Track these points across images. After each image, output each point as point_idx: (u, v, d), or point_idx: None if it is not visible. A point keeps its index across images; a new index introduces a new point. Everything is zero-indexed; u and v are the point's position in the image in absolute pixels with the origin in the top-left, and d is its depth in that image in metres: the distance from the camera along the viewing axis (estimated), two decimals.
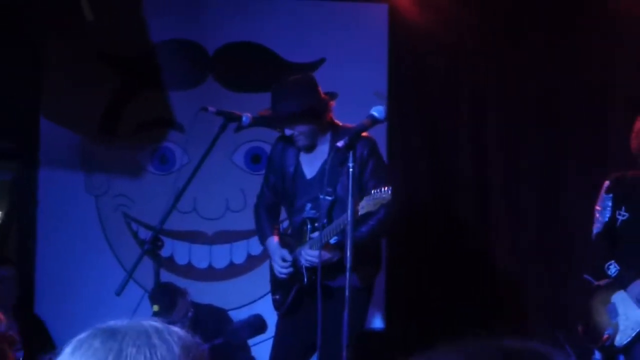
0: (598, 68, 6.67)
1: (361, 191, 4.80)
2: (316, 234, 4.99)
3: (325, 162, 5.06)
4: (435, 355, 1.42)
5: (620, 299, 5.44)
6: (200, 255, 7.17)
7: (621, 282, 5.42)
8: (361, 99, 6.47)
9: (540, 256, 6.75)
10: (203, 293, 6.64)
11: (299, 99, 5.01)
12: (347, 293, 4.22)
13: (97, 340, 1.63)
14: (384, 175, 5.11)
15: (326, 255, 4.90)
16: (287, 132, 5.12)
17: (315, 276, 4.68)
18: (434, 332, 6.30)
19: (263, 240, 5.41)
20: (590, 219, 6.55)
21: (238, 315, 6.42)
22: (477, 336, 1.48)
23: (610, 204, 5.52)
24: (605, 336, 5.41)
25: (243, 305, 6.83)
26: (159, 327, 1.67)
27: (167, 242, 6.75)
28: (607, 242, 5.53)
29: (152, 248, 4.57)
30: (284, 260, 5.18)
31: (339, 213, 4.87)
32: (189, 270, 7.14)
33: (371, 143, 5.04)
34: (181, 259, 7.17)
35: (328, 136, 5.11)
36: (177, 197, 4.75)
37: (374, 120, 4.39)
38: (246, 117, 4.89)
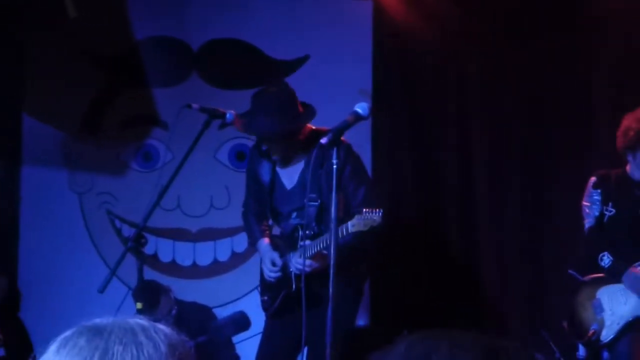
0: (583, 66, 6.67)
1: (343, 195, 4.84)
2: (308, 241, 4.99)
3: (303, 170, 5.07)
4: (420, 341, 1.43)
5: (605, 294, 5.48)
6: (184, 253, 7.16)
7: (614, 273, 5.45)
8: (346, 96, 6.47)
9: (525, 254, 6.75)
10: (187, 290, 6.63)
11: (277, 119, 4.96)
12: (330, 290, 4.21)
13: (82, 338, 1.62)
14: (362, 176, 5.14)
15: (316, 264, 4.90)
16: (263, 147, 5.13)
17: (305, 283, 4.68)
18: (418, 328, 6.30)
19: (254, 243, 5.40)
20: (575, 217, 6.58)
21: (222, 313, 6.42)
22: (463, 329, 1.48)
23: (599, 199, 5.56)
24: (591, 332, 5.44)
25: (227, 303, 6.83)
26: (145, 324, 1.66)
27: (151, 239, 6.72)
28: (600, 235, 5.57)
29: (135, 245, 4.55)
30: (273, 264, 5.18)
31: (327, 217, 4.86)
32: (172, 268, 7.13)
33: (346, 147, 5.00)
34: (165, 257, 7.16)
35: (305, 146, 5.07)
36: (161, 195, 4.73)
37: (358, 117, 4.37)
38: (230, 114, 4.87)
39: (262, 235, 5.33)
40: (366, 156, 6.57)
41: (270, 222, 5.42)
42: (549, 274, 6.67)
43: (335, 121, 4.43)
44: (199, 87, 7.07)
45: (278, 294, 5.20)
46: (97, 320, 1.66)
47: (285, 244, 5.21)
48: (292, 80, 6.99)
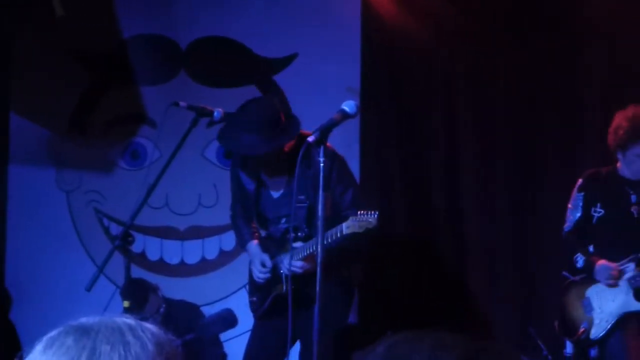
0: (573, 65, 6.67)
1: (330, 197, 4.84)
2: (299, 243, 4.98)
3: (289, 179, 5.03)
4: (402, 341, 1.43)
5: (594, 292, 5.55)
6: (172, 251, 7.15)
7: (588, 270, 5.54)
8: (334, 94, 6.46)
9: (513, 253, 6.76)
10: (175, 289, 6.62)
11: (259, 138, 4.89)
12: (317, 288, 4.21)
13: (69, 338, 1.61)
14: (349, 180, 5.14)
15: (307, 266, 4.89)
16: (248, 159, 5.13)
17: (294, 286, 4.67)
18: (405, 328, 6.31)
19: (244, 245, 5.38)
20: (563, 216, 6.61)
21: (210, 311, 6.40)
22: (447, 329, 1.48)
23: (581, 203, 5.62)
24: (581, 330, 5.52)
25: (215, 301, 6.82)
26: (132, 323, 1.65)
27: (139, 237, 6.73)
28: (576, 239, 5.65)
29: (123, 244, 4.55)
30: (263, 265, 5.16)
31: (317, 218, 4.86)
32: (160, 266, 7.12)
33: (331, 152, 4.95)
34: (153, 255, 7.14)
35: (290, 154, 5.01)
36: (149, 193, 4.72)
37: (345, 115, 4.37)
38: (218, 112, 4.86)
39: (252, 237, 5.31)
40: (354, 154, 6.58)
41: (262, 232, 5.40)
42: (536, 272, 6.68)
43: (323, 119, 4.43)
44: (187, 85, 7.06)
45: (267, 295, 5.19)
46: (83, 320, 1.65)
47: (275, 246, 5.20)
48: (280, 78, 7.01)
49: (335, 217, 4.82)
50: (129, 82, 7.08)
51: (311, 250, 4.85)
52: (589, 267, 5.54)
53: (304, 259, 4.91)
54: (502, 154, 6.80)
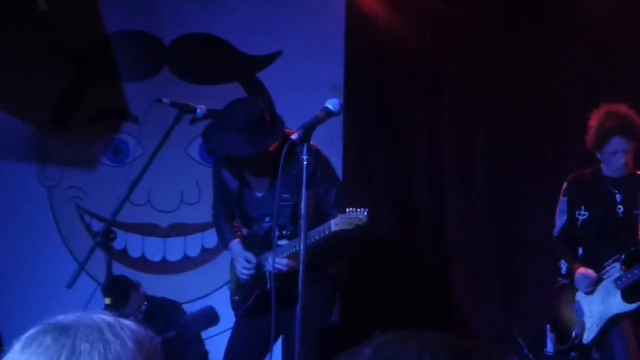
0: (558, 66, 6.68)
1: (314, 196, 4.83)
2: (284, 241, 4.97)
3: (273, 178, 5.02)
4: (389, 343, 1.42)
5: (583, 296, 5.55)
6: (154, 248, 7.13)
7: (570, 276, 5.56)
8: (317, 92, 6.46)
9: (496, 253, 6.77)
10: (157, 286, 6.60)
11: (243, 140, 4.88)
12: (300, 286, 4.20)
13: (48, 336, 1.59)
14: (333, 178, 5.14)
15: (291, 263, 4.89)
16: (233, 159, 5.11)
17: (279, 283, 4.66)
18: (388, 327, 6.32)
19: (226, 244, 5.36)
20: (545, 216, 6.62)
21: (192, 308, 6.38)
22: (435, 330, 1.47)
23: (565, 208, 5.64)
24: (574, 335, 5.52)
25: (197, 298, 6.80)
26: (111, 321, 1.63)
27: (121, 234, 6.70)
28: (563, 244, 5.66)
29: (104, 240, 4.52)
30: (248, 261, 5.15)
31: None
32: (142, 263, 7.10)
33: (315, 150, 4.95)
34: (135, 252, 7.12)
35: (274, 154, 5.00)
36: (131, 189, 4.70)
37: (329, 113, 4.36)
38: (201, 109, 4.84)
39: (234, 236, 5.30)
40: (337, 152, 6.57)
41: (245, 230, 5.38)
42: (518, 272, 6.69)
43: (307, 117, 4.42)
44: (170, 82, 7.04)
45: (250, 294, 5.18)
46: (61, 318, 1.63)
47: (259, 245, 5.19)
48: (264, 76, 7.00)
49: (318, 215, 4.82)
50: (111, 78, 7.05)
51: (296, 248, 4.84)
52: (570, 275, 5.57)
53: (289, 256, 4.90)
54: (485, 153, 6.81)
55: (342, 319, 6.65)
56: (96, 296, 5.79)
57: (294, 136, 4.28)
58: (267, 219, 5.15)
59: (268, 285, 5.03)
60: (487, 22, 6.75)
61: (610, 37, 6.50)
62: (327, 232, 4.65)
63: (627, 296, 5.41)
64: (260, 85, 6.99)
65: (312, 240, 4.63)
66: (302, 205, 4.25)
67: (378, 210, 6.85)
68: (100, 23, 7.06)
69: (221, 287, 6.64)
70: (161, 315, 5.99)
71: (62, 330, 1.59)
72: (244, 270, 5.16)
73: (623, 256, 5.43)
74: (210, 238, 6.91)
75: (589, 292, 5.49)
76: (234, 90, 6.73)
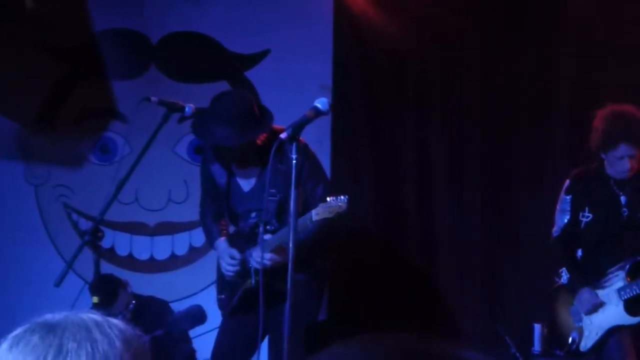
0: (545, 66, 6.68)
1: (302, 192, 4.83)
2: (268, 236, 4.97)
3: (260, 173, 5.04)
4: (343, 352, 1.41)
5: None
6: (141, 247, 7.12)
7: (570, 290, 5.37)
8: (306, 91, 6.46)
9: (482, 250, 6.78)
10: (144, 285, 6.59)
11: (232, 130, 4.88)
12: (289, 286, 4.20)
13: (35, 335, 1.58)
14: (320, 175, 5.14)
15: (277, 258, 4.88)
16: (219, 151, 5.10)
17: (264, 279, 4.66)
18: (375, 325, 6.32)
19: (212, 243, 5.36)
20: (531, 215, 6.63)
21: (180, 307, 6.38)
22: (391, 334, 1.46)
23: (568, 207, 5.40)
24: (571, 341, 5.36)
25: (185, 297, 6.79)
26: (99, 320, 1.63)
27: (108, 233, 6.70)
28: (563, 248, 5.44)
29: (92, 239, 4.52)
30: (232, 258, 5.15)
31: (286, 212, 4.86)
32: (130, 262, 7.08)
33: (303, 146, 4.97)
34: (122, 250, 7.11)
35: (262, 148, 5.03)
36: (119, 188, 4.69)
37: (318, 113, 4.36)
38: (189, 107, 4.84)
39: (220, 235, 5.30)
40: (326, 152, 6.57)
41: (231, 228, 5.38)
42: (505, 271, 6.71)
43: (296, 116, 4.42)
44: (158, 80, 7.02)
45: (236, 291, 5.18)
46: (49, 316, 1.63)
47: (244, 241, 5.19)
48: (252, 75, 6.99)
49: (305, 212, 4.83)
50: (99, 76, 7.03)
51: (280, 241, 4.84)
52: (572, 289, 5.36)
53: (273, 251, 4.89)
54: (474, 153, 6.82)
55: (329, 317, 6.66)
56: (84, 295, 5.76)
57: (283, 135, 4.28)
58: (253, 214, 5.15)
59: (253, 281, 5.03)
60: (476, 21, 6.76)
61: (602, 38, 6.51)
62: (308, 222, 4.65)
63: (630, 308, 5.21)
64: (248, 84, 6.98)
65: (297, 233, 4.60)
66: (291, 205, 4.25)
67: (366, 210, 6.86)
68: (87, 21, 7.04)
69: (209, 286, 6.63)
70: (149, 314, 5.98)
71: (50, 329, 1.59)
72: (228, 267, 5.17)
73: (628, 265, 5.22)
74: (198, 237, 6.90)
75: (590, 313, 5.30)
76: (222, 89, 6.71)
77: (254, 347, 5.07)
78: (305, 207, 4.92)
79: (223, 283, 5.30)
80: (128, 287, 6.17)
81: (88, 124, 7.15)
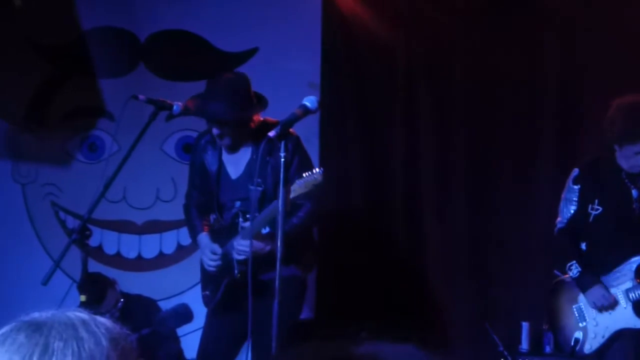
0: (532, 64, 6.69)
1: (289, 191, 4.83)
2: (248, 223, 4.98)
3: (250, 160, 5.06)
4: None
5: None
6: (129, 245, 7.11)
7: (581, 285, 5.07)
8: (294, 89, 6.45)
9: (470, 247, 6.79)
10: (132, 283, 6.58)
11: (228, 103, 4.97)
12: (277, 284, 4.20)
13: (21, 334, 1.58)
14: (309, 167, 5.12)
15: (258, 244, 4.87)
16: (215, 131, 5.09)
17: (247, 268, 4.65)
18: (362, 323, 6.32)
19: (194, 237, 5.37)
20: (519, 212, 6.64)
21: (167, 306, 6.38)
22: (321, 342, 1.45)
23: (575, 198, 5.14)
24: (574, 341, 5.09)
25: (173, 296, 6.79)
26: (86, 318, 1.62)
27: (96, 231, 6.69)
28: (569, 240, 5.18)
29: (79, 237, 4.51)
30: (213, 253, 5.16)
31: (269, 204, 4.87)
32: (117, 260, 7.07)
33: (295, 139, 5.04)
34: (110, 249, 7.10)
35: (253, 135, 5.08)
36: (106, 186, 4.69)
37: (306, 111, 4.37)
38: (177, 105, 4.84)
39: (202, 229, 5.30)
40: (314, 150, 6.57)
41: (213, 216, 5.37)
42: (493, 267, 6.72)
43: (284, 114, 4.43)
44: (146, 78, 7.01)
45: (220, 285, 5.17)
46: (36, 315, 1.62)
47: (225, 236, 5.18)
48: None
49: (293, 209, 4.85)
50: (87, 74, 7.02)
51: (259, 226, 4.84)
52: (583, 284, 5.06)
53: (254, 238, 4.89)
54: (462, 151, 6.82)
55: (317, 315, 6.67)
56: (71, 293, 5.76)
57: (271, 133, 4.29)
58: (237, 203, 5.16)
59: (236, 272, 5.02)
60: (463, 19, 6.76)
61: (587, 34, 6.53)
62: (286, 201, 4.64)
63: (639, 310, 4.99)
64: None
65: (273, 213, 4.57)
66: (279, 203, 4.25)
67: (354, 207, 6.86)
68: (76, 19, 7.02)
69: (197, 284, 6.58)
70: (137, 313, 5.98)
71: (36, 327, 1.59)
72: (210, 262, 5.17)
73: (636, 265, 4.98)
74: (185, 235, 6.86)
75: (603, 310, 5.04)
76: None
77: (239, 343, 5.07)
78: (291, 205, 4.92)
79: (207, 279, 5.30)
80: (116, 285, 6.16)
81: (76, 122, 7.13)
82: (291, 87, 6.56)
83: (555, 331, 5.31)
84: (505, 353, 6.06)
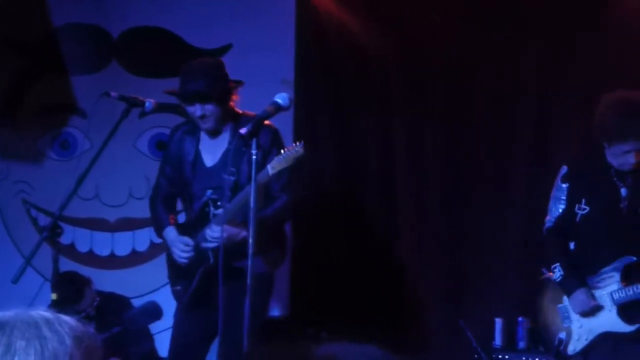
0: (508, 62, 6.70)
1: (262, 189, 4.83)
2: (220, 210, 4.96)
3: (227, 149, 5.05)
4: None
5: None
6: (102, 243, 7.08)
7: (564, 289, 4.93)
8: (268, 86, 6.44)
9: (445, 244, 6.80)
10: (105, 281, 6.55)
11: (208, 78, 5.01)
12: (248, 281, 4.19)
13: None
14: None
15: (233, 230, 4.86)
16: (198, 112, 5.05)
17: (217, 258, 4.63)
18: (337, 321, 6.32)
19: (160, 232, 5.32)
20: (494, 208, 6.66)
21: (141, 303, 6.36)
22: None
23: (564, 196, 4.96)
24: (558, 341, 4.97)
25: (146, 293, 6.76)
26: (49, 317, 1.61)
27: (68, 229, 6.65)
28: (557, 242, 5.01)
29: (51, 235, 4.48)
30: (185, 244, 5.12)
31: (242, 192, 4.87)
32: (90, 258, 7.05)
33: (273, 131, 5.05)
34: (82, 247, 7.07)
35: (229, 125, 5.11)
36: (78, 183, 4.67)
37: (278, 108, 4.37)
38: (149, 102, 4.82)
39: (169, 223, 5.27)
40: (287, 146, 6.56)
41: (181, 207, 5.37)
42: (467, 266, 6.73)
43: (257, 111, 4.42)
44: (119, 75, 6.99)
45: (194, 276, 5.13)
46: None
47: (194, 226, 5.16)
48: None
49: (265, 198, 4.86)
50: (59, 71, 6.99)
51: (231, 212, 4.83)
52: (566, 288, 4.92)
53: (228, 224, 4.88)
54: (436, 150, 6.83)
55: (291, 313, 6.66)
56: (43, 292, 5.73)
57: (243, 130, 4.28)
58: (208, 192, 5.14)
59: (211, 259, 5.00)
60: (439, 16, 6.76)
61: (564, 34, 6.55)
62: (265, 178, 4.63)
63: (624, 314, 4.79)
64: None
65: (245, 199, 4.55)
66: (251, 200, 4.24)
67: (328, 206, 6.87)
68: (47, 16, 6.99)
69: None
70: (110, 311, 5.96)
71: None
72: (182, 254, 5.13)
73: (622, 267, 4.80)
74: None
75: (585, 316, 4.88)
76: None
77: (211, 339, 5.06)
78: (266, 194, 4.92)
79: (177, 274, 5.25)
80: (92, 284, 6.15)
81: (48, 119, 7.10)
82: (264, 84, 6.55)
83: (542, 328, 5.18)
84: (479, 349, 6.08)
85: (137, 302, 6.37)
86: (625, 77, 5.84)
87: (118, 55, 7.06)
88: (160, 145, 6.82)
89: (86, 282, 6.09)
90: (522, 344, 6.30)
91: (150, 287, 6.83)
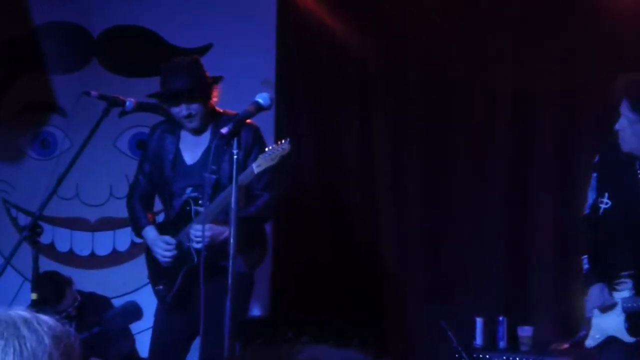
0: (488, 60, 6.72)
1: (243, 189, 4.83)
2: (202, 209, 4.95)
3: (207, 147, 5.04)
4: None
5: (595, 294, 4.77)
6: (82, 242, 7.06)
7: (586, 282, 4.78)
8: (249, 85, 6.44)
9: (426, 244, 6.81)
10: (85, 281, 6.53)
11: (189, 76, 5.04)
12: (229, 281, 4.18)
13: None
14: None
15: (217, 229, 4.85)
16: (184, 111, 5.04)
17: (206, 254, 4.61)
18: (318, 320, 6.33)
19: (139, 231, 5.29)
20: (476, 205, 6.68)
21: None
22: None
23: (595, 184, 4.76)
24: (582, 334, 4.90)
25: (127, 293, 6.75)
26: (28, 316, 1.61)
27: (48, 228, 6.63)
28: (589, 229, 4.81)
29: (31, 235, 4.46)
30: (167, 243, 5.10)
31: (221, 191, 4.86)
32: (70, 258, 7.02)
33: (255, 130, 5.06)
34: (62, 246, 7.04)
35: (210, 124, 5.10)
36: (58, 183, 4.64)
37: (259, 108, 4.36)
38: (130, 102, 4.81)
39: (148, 223, 5.25)
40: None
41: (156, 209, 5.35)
42: (449, 264, 6.75)
43: (238, 110, 4.42)
44: (99, 74, 6.97)
45: (177, 275, 5.11)
46: None
47: (174, 225, 5.14)
48: None
49: (247, 197, 4.85)
50: (39, 70, 6.96)
51: (214, 212, 4.82)
52: (587, 281, 4.77)
53: (212, 222, 4.87)
54: (416, 149, 6.85)
55: (271, 313, 6.66)
56: (23, 291, 5.70)
57: (223, 130, 4.27)
58: (188, 190, 5.13)
59: (195, 259, 4.97)
60: (419, 14, 6.77)
61: (542, 31, 6.57)
62: (250, 177, 4.63)
63: (631, 323, 4.64)
64: None
65: (228, 199, 4.54)
66: (232, 200, 4.23)
67: (309, 205, 6.87)
68: (28, 14, 6.96)
69: None
70: (91, 311, 5.95)
71: None
72: (165, 253, 5.11)
73: (636, 275, 4.62)
74: None
75: (602, 310, 4.72)
76: None
77: (191, 339, 5.05)
78: (247, 194, 4.91)
79: (159, 273, 5.22)
80: (73, 284, 6.13)
81: (27, 118, 7.07)
82: (245, 84, 6.54)
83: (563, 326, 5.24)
84: (459, 349, 6.09)
85: (117, 302, 6.36)
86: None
87: (98, 54, 7.04)
88: (140, 144, 6.80)
89: (67, 282, 6.07)
90: (502, 344, 6.32)
91: (131, 286, 6.81)
